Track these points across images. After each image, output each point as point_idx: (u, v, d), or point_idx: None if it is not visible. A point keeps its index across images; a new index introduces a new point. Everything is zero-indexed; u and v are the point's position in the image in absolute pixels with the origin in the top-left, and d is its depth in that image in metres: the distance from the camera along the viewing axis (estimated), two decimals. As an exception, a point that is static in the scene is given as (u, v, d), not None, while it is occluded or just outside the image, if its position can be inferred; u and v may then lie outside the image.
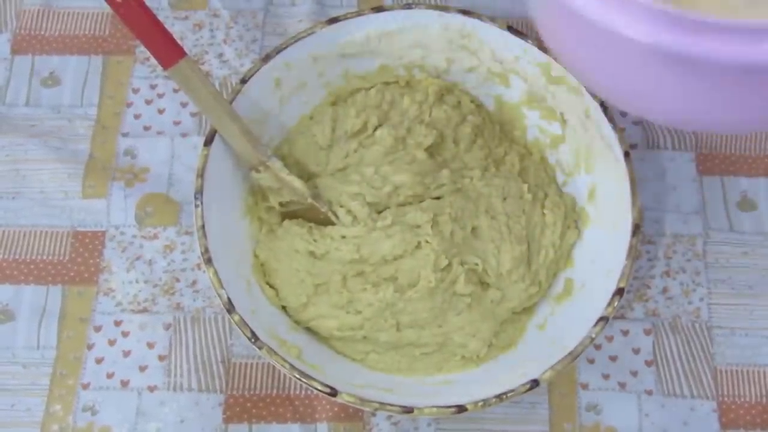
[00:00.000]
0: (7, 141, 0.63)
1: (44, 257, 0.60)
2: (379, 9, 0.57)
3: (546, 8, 0.35)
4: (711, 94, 0.31)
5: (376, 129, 0.57)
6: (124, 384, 0.56)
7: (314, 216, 0.55)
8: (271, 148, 0.57)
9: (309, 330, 0.55)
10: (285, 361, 0.48)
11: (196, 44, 0.67)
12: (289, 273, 0.54)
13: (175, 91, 0.65)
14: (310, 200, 0.54)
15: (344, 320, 0.53)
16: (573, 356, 0.49)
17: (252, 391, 0.56)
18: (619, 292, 0.50)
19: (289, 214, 0.56)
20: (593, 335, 0.49)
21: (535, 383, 0.48)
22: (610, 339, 0.58)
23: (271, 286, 0.55)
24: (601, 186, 0.56)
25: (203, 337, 0.57)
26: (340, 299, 0.53)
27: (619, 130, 0.53)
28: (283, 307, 0.55)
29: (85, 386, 0.56)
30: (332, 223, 0.55)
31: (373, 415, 0.55)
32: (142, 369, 0.57)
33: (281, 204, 0.55)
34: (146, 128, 0.64)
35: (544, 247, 0.56)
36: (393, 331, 0.53)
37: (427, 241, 0.53)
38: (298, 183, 0.54)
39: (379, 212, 0.55)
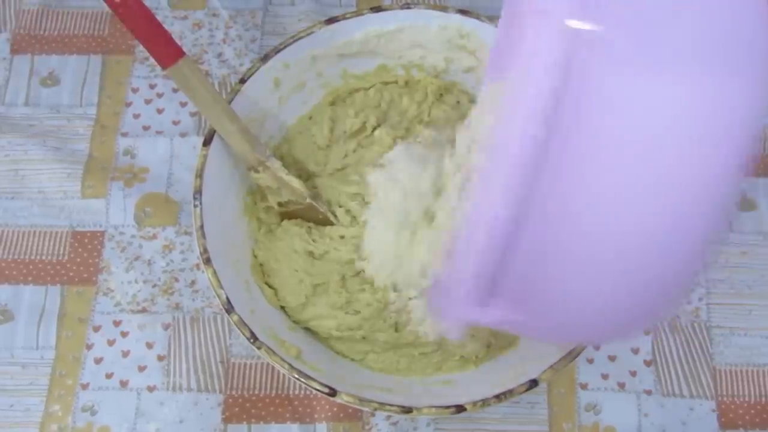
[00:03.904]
0: (6, 141, 0.63)
1: (43, 257, 0.60)
2: (377, 9, 0.57)
3: None
4: None
5: (375, 129, 0.57)
6: (124, 384, 0.56)
7: (313, 216, 0.55)
8: (269, 148, 0.57)
9: (308, 330, 0.55)
10: (284, 361, 0.48)
11: (195, 44, 0.67)
12: (287, 273, 0.54)
13: (174, 90, 0.65)
14: (308, 200, 0.54)
15: (343, 320, 0.53)
16: (572, 356, 0.49)
17: (251, 391, 0.56)
18: (618, 292, 0.50)
19: (287, 214, 0.56)
20: (592, 335, 0.49)
21: (534, 383, 0.48)
22: (609, 339, 0.58)
23: (270, 286, 0.55)
24: (601, 186, 0.56)
25: (202, 337, 0.57)
26: (339, 299, 0.53)
27: (618, 130, 0.53)
28: (282, 307, 0.55)
29: (84, 386, 0.56)
30: (331, 223, 0.55)
31: (372, 415, 0.55)
32: (141, 369, 0.57)
33: (280, 204, 0.55)
34: (145, 128, 0.64)
35: (543, 246, 0.56)
36: (392, 332, 0.53)
37: (426, 241, 0.53)
38: (296, 183, 0.54)
39: (378, 212, 0.55)
